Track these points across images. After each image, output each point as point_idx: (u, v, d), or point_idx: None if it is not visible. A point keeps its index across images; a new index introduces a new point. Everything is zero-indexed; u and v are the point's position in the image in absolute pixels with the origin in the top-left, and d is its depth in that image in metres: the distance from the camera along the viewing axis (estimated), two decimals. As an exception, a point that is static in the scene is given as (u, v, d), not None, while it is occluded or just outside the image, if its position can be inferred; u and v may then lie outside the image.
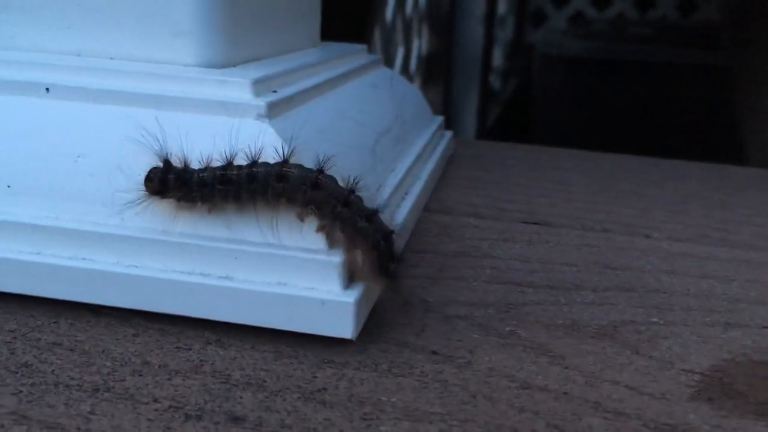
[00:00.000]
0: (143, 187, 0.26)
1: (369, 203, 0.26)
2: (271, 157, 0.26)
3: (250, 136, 0.27)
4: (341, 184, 0.26)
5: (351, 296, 0.25)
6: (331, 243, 0.26)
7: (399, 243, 0.28)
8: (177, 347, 0.26)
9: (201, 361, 0.25)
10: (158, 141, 0.26)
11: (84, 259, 0.27)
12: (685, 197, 0.47)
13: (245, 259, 0.26)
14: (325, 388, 0.24)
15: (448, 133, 0.54)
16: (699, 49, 1.68)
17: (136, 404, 0.22)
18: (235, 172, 0.26)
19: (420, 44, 1.33)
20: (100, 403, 0.22)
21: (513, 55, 2.06)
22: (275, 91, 0.30)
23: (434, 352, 0.26)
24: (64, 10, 0.31)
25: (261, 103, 0.28)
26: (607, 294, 0.32)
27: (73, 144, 0.28)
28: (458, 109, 1.45)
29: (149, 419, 0.22)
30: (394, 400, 0.23)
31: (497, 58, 1.88)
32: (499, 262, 0.34)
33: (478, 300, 0.30)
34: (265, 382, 0.24)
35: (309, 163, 0.26)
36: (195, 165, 0.26)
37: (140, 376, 0.24)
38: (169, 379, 0.24)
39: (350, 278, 0.26)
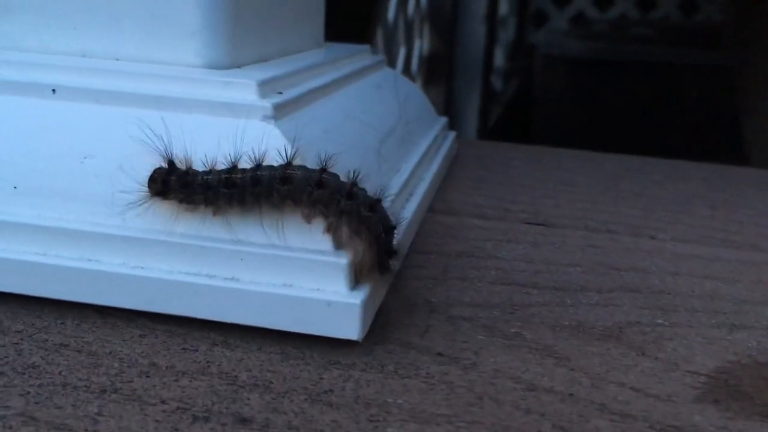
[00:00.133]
0: (146, 188, 0.26)
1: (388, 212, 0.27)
2: (276, 158, 0.26)
3: (256, 138, 0.27)
4: (343, 180, 0.26)
5: (357, 297, 0.25)
6: (338, 242, 0.26)
7: (401, 239, 0.28)
8: (184, 348, 0.26)
9: (208, 362, 0.25)
10: (163, 142, 0.26)
11: (90, 260, 0.27)
12: (688, 198, 0.47)
13: (251, 261, 0.26)
14: (331, 390, 0.24)
15: (452, 134, 0.54)
16: (700, 49, 1.68)
17: (144, 405, 0.22)
18: (239, 176, 0.26)
19: (422, 44, 1.33)
20: (107, 405, 0.22)
21: (514, 55, 2.06)
22: (281, 93, 0.30)
23: (440, 354, 0.26)
24: (69, 12, 0.31)
25: (267, 104, 0.28)
26: (612, 295, 0.32)
27: (79, 145, 0.28)
28: (460, 109, 1.45)
29: (157, 420, 0.22)
30: (400, 401, 0.23)
31: (499, 59, 1.88)
32: (503, 263, 0.34)
33: (482, 301, 0.30)
34: (272, 383, 0.24)
35: (315, 164, 0.26)
36: (200, 166, 0.26)
37: (147, 377, 0.24)
38: (176, 381, 0.24)
39: (357, 279, 0.26)
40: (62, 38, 0.31)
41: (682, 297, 0.32)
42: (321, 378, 0.24)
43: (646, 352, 0.27)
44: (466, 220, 0.41)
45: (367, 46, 0.48)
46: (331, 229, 0.26)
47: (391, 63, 1.09)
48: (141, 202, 0.26)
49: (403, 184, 0.36)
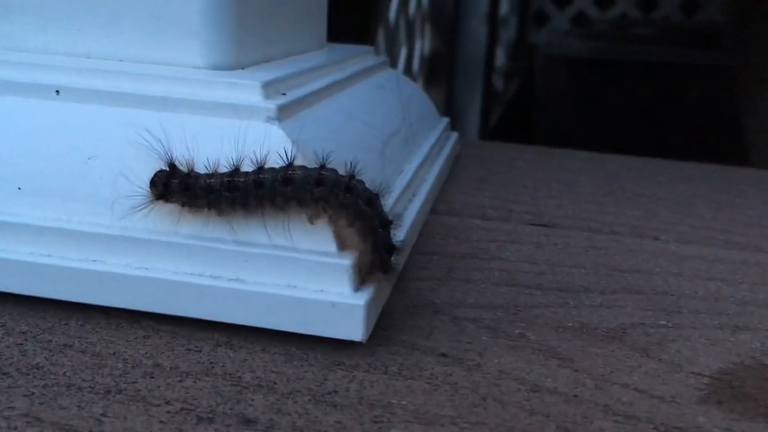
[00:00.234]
0: (148, 191, 0.26)
1: (384, 207, 0.26)
2: (280, 159, 0.26)
3: (260, 139, 0.27)
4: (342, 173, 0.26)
5: (361, 298, 0.25)
6: (337, 235, 0.26)
7: (405, 239, 0.28)
8: (188, 349, 0.26)
9: (212, 363, 0.25)
10: (166, 144, 0.26)
11: (95, 261, 0.27)
12: (691, 199, 0.47)
13: (255, 262, 0.26)
14: (335, 391, 0.24)
15: (454, 134, 0.54)
16: (701, 49, 1.68)
17: (148, 406, 0.22)
18: (242, 179, 0.26)
19: (423, 44, 1.33)
20: (112, 405, 0.22)
21: (515, 55, 2.06)
22: (284, 94, 0.30)
23: (443, 355, 0.26)
24: (73, 13, 0.31)
25: (271, 105, 0.28)
26: (616, 296, 0.32)
27: (83, 146, 0.28)
28: (461, 109, 1.45)
29: (161, 421, 0.22)
30: (404, 402, 0.23)
31: (500, 59, 1.88)
32: (507, 264, 0.35)
33: (486, 302, 0.30)
34: (276, 384, 0.24)
35: (316, 164, 0.26)
36: (203, 168, 0.26)
37: (152, 378, 0.24)
38: (180, 381, 0.24)
39: (361, 280, 0.26)
40: (66, 39, 0.32)
41: (686, 298, 0.32)
42: (325, 379, 0.24)
43: (649, 354, 0.27)
44: (468, 220, 0.41)
45: (369, 47, 0.48)
46: (331, 222, 0.26)
47: (393, 63, 1.09)
48: (143, 206, 0.26)
49: (406, 184, 0.36)
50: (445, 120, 0.53)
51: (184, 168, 0.26)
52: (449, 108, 1.40)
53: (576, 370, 0.26)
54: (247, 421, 0.22)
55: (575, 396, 0.24)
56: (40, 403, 0.22)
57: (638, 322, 0.29)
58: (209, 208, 0.26)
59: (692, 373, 0.26)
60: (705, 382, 0.25)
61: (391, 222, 0.26)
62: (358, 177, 0.26)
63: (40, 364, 0.24)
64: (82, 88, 0.29)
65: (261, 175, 0.26)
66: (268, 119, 0.28)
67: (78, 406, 0.22)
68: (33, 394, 0.23)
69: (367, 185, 0.26)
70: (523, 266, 0.34)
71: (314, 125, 0.30)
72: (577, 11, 2.19)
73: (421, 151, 0.42)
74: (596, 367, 0.26)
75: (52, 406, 0.22)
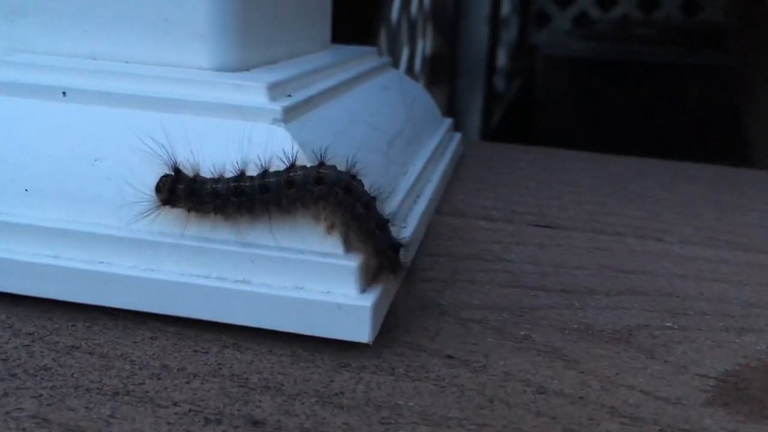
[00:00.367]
0: (153, 196, 0.26)
1: (380, 209, 0.26)
2: (285, 161, 0.26)
3: (265, 141, 0.27)
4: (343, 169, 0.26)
5: (368, 300, 0.25)
6: (330, 229, 0.26)
7: (410, 238, 0.28)
8: (194, 351, 0.26)
9: (219, 364, 0.25)
10: (171, 147, 0.26)
11: (101, 262, 0.27)
12: (694, 200, 0.47)
13: (262, 263, 0.26)
14: (342, 392, 0.24)
15: (457, 135, 0.54)
16: (702, 49, 1.68)
17: (156, 408, 0.22)
18: (248, 184, 0.26)
19: (424, 45, 1.33)
20: (120, 407, 0.22)
21: (517, 55, 2.06)
22: (290, 95, 0.30)
23: (449, 356, 0.26)
24: (79, 15, 0.31)
25: (276, 107, 0.28)
26: (621, 298, 0.32)
27: (90, 148, 0.28)
28: (462, 109, 1.45)
29: (169, 423, 0.22)
30: (411, 404, 0.23)
31: (501, 59, 1.88)
32: (511, 266, 0.35)
33: (491, 303, 0.31)
34: (283, 385, 0.24)
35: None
36: (208, 171, 0.26)
37: (159, 379, 0.24)
38: (187, 383, 0.24)
39: (367, 282, 0.26)
40: (72, 41, 0.32)
41: (691, 300, 0.32)
42: (332, 380, 0.24)
43: (655, 355, 0.27)
44: (472, 221, 0.41)
45: (373, 48, 0.48)
46: (328, 221, 0.26)
47: (395, 63, 1.09)
48: (149, 211, 0.26)
49: (411, 185, 0.36)
50: (449, 121, 0.53)
51: (189, 172, 0.26)
52: (451, 108, 1.40)
53: (582, 372, 0.26)
54: (255, 423, 0.22)
55: (581, 398, 0.24)
56: (49, 405, 0.22)
57: (643, 323, 0.30)
58: (215, 213, 0.26)
59: (698, 375, 0.26)
60: (711, 384, 0.26)
61: (387, 221, 0.26)
62: (359, 176, 0.26)
63: (48, 366, 0.24)
64: (88, 90, 0.29)
65: (266, 179, 0.26)
66: (274, 121, 0.28)
67: (86, 408, 0.22)
68: (41, 395, 0.23)
69: (366, 188, 0.26)
70: (528, 267, 0.35)
71: (319, 127, 0.30)
72: (578, 11, 2.19)
73: (425, 152, 0.42)
74: (602, 368, 0.26)
75: (61, 407, 0.22)
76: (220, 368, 0.25)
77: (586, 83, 1.75)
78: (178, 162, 0.26)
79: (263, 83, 0.29)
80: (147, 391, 0.23)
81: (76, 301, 0.27)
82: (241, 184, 0.26)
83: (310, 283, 0.26)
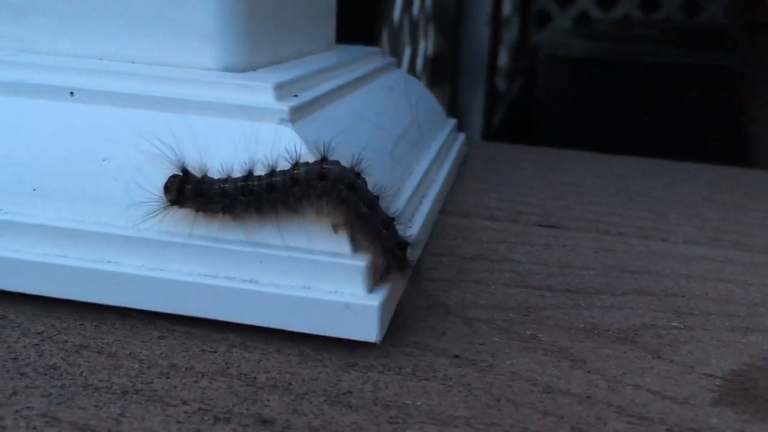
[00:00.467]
0: (162, 196, 0.26)
1: (384, 207, 0.27)
2: (290, 160, 0.26)
3: (272, 140, 0.27)
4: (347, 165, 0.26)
5: (375, 300, 0.25)
6: (338, 229, 0.26)
7: (416, 237, 0.28)
8: (202, 350, 0.26)
9: (227, 363, 0.25)
10: (178, 147, 0.26)
11: (109, 262, 0.27)
12: (697, 200, 0.47)
13: (270, 263, 0.26)
14: (350, 392, 0.24)
15: (461, 135, 0.54)
16: (703, 49, 1.68)
17: (166, 407, 0.22)
18: (255, 183, 0.26)
19: (426, 45, 1.33)
20: (129, 406, 0.22)
21: (517, 55, 2.06)
22: (296, 95, 0.30)
23: (456, 356, 0.26)
24: (86, 15, 0.31)
25: (283, 107, 0.28)
26: (626, 298, 0.32)
27: (98, 148, 0.28)
28: (464, 109, 1.45)
29: (179, 422, 0.22)
30: (419, 403, 0.24)
31: (503, 59, 1.88)
32: (517, 266, 0.35)
33: (498, 303, 0.31)
34: (291, 385, 0.24)
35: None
36: (216, 170, 0.26)
37: (168, 378, 0.24)
38: (196, 382, 0.24)
39: (375, 281, 0.26)
40: (79, 41, 0.32)
41: (696, 300, 0.32)
42: (339, 380, 0.25)
43: (661, 355, 0.27)
44: (477, 221, 0.41)
45: (377, 48, 0.48)
46: (330, 217, 0.26)
47: (397, 63, 1.09)
48: (157, 211, 0.26)
49: (417, 186, 0.36)
50: (453, 121, 0.53)
51: (197, 173, 0.26)
52: (452, 108, 1.40)
53: (589, 372, 0.26)
54: (264, 422, 0.22)
55: (588, 397, 0.24)
56: (58, 404, 0.22)
57: (649, 323, 0.30)
58: (224, 213, 0.26)
59: (704, 374, 0.26)
60: (717, 383, 0.26)
61: (392, 220, 0.27)
62: (363, 175, 0.26)
63: (57, 365, 0.24)
64: (96, 90, 0.29)
65: (273, 178, 0.26)
66: (281, 121, 0.28)
67: (96, 407, 0.22)
68: (51, 394, 0.23)
69: (369, 187, 0.26)
70: (533, 267, 0.35)
71: (326, 127, 0.30)
72: (579, 11, 2.19)
73: (430, 152, 0.42)
74: (609, 368, 0.26)
75: (70, 406, 0.22)
76: (228, 367, 0.25)
77: (586, 83, 1.75)
78: (186, 162, 0.26)
79: (270, 83, 0.29)
80: (156, 390, 0.23)
81: (84, 300, 0.27)
82: (249, 183, 0.26)
83: (317, 283, 0.26)
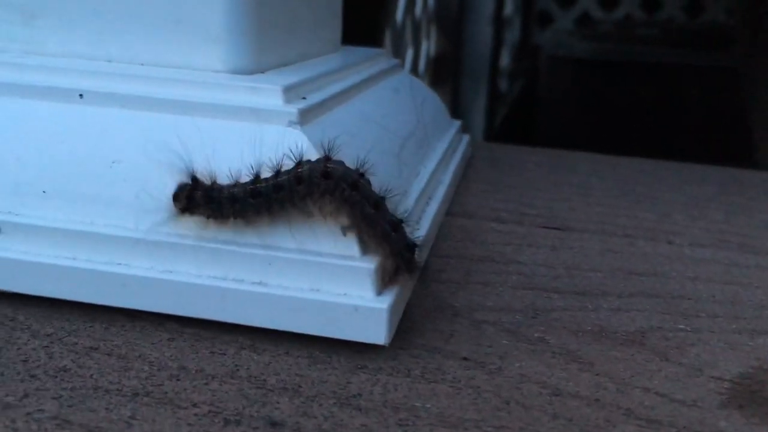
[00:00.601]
0: (172, 204, 0.26)
1: (392, 209, 0.27)
2: (294, 159, 0.26)
3: (281, 143, 0.27)
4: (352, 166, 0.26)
5: (384, 302, 0.26)
6: (347, 231, 0.26)
7: (423, 239, 0.28)
8: (212, 352, 0.26)
9: (236, 366, 0.25)
10: (187, 150, 0.27)
11: (119, 264, 0.27)
12: (703, 202, 0.47)
13: (279, 265, 0.26)
14: (360, 394, 0.24)
15: (466, 137, 0.54)
16: (705, 50, 1.68)
17: (176, 409, 0.23)
18: (263, 185, 0.26)
19: (429, 45, 1.33)
20: (140, 408, 0.22)
21: (519, 56, 2.06)
22: (304, 98, 0.30)
23: (465, 358, 0.26)
24: (95, 17, 0.31)
25: (292, 109, 0.28)
26: (633, 300, 0.32)
27: (107, 150, 0.28)
28: (466, 110, 1.45)
29: (189, 424, 0.22)
30: (428, 406, 0.24)
31: (504, 59, 1.88)
32: (524, 268, 0.35)
33: (505, 305, 0.31)
34: (301, 387, 0.24)
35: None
36: (224, 172, 0.26)
37: (178, 380, 0.24)
38: (206, 384, 0.24)
39: (383, 283, 0.26)
40: (88, 43, 0.32)
41: (703, 302, 0.32)
42: (349, 382, 0.25)
43: (669, 358, 0.27)
44: (483, 223, 0.41)
45: (382, 50, 0.48)
46: (333, 216, 0.26)
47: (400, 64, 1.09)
48: (167, 220, 0.26)
49: (423, 188, 0.36)
50: (457, 122, 0.53)
51: (206, 179, 0.26)
52: (455, 109, 1.40)
53: (597, 374, 0.26)
54: (274, 424, 0.22)
55: (597, 400, 0.24)
56: (69, 406, 0.22)
57: (657, 325, 0.30)
58: (235, 218, 0.26)
59: (712, 377, 0.26)
60: (725, 386, 0.26)
61: (401, 221, 0.27)
62: (368, 176, 0.26)
63: (67, 367, 0.24)
64: (105, 92, 0.29)
65: (278, 178, 0.26)
66: (290, 123, 0.28)
67: (106, 409, 0.22)
68: (61, 396, 0.23)
69: (374, 188, 0.26)
70: (540, 270, 0.35)
71: (333, 129, 0.30)
72: (581, 12, 2.19)
73: (436, 154, 0.42)
74: (617, 371, 0.26)
75: (81, 408, 0.22)
76: (238, 369, 0.25)
77: (588, 84, 1.75)
78: (195, 169, 0.26)
79: (279, 86, 0.29)
80: (166, 393, 0.23)
81: (93, 302, 0.27)
82: (257, 185, 0.26)
83: (326, 285, 0.26)
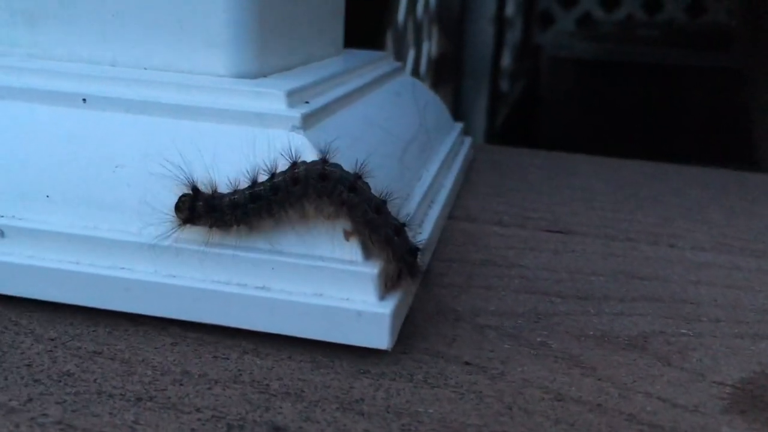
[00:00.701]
0: (174, 215, 0.26)
1: (395, 212, 0.27)
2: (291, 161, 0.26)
3: (284, 147, 0.27)
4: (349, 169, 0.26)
5: (387, 307, 0.26)
6: (349, 236, 0.26)
7: (426, 244, 0.28)
8: (215, 356, 0.26)
9: (239, 370, 0.25)
10: (190, 155, 0.27)
11: (122, 268, 0.27)
12: (705, 205, 0.48)
13: (282, 270, 0.26)
14: (362, 399, 0.24)
15: (468, 140, 0.54)
16: (707, 51, 1.68)
17: (179, 414, 0.23)
18: (261, 188, 0.26)
19: (430, 46, 1.33)
20: (143, 413, 0.22)
21: (521, 56, 2.06)
22: (307, 102, 0.30)
23: (467, 363, 0.27)
24: (99, 21, 0.32)
25: (296, 114, 0.28)
26: (636, 304, 0.32)
27: (111, 154, 0.28)
28: (468, 110, 1.45)
29: (193, 429, 0.22)
30: (431, 411, 0.24)
31: (506, 60, 1.88)
32: (526, 272, 0.35)
33: (507, 310, 0.31)
34: (304, 392, 0.24)
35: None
36: (227, 178, 0.26)
37: (181, 385, 0.24)
38: (209, 389, 0.24)
39: (386, 288, 0.26)
40: (91, 47, 0.32)
41: (705, 306, 0.32)
42: (351, 387, 0.25)
43: (671, 362, 0.27)
44: (485, 227, 0.41)
45: (385, 53, 0.48)
46: (331, 218, 0.26)
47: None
48: (171, 231, 0.26)
49: (426, 191, 0.36)
50: (459, 125, 0.53)
51: (207, 188, 0.26)
52: (456, 109, 1.40)
53: (599, 379, 0.26)
54: (277, 429, 0.22)
55: (599, 405, 0.24)
56: (73, 411, 0.22)
57: (659, 330, 0.30)
58: (238, 225, 0.26)
59: (714, 382, 0.26)
60: (727, 391, 0.26)
61: (403, 225, 0.27)
62: (366, 178, 0.26)
63: (71, 371, 0.24)
64: (108, 97, 0.29)
65: (275, 180, 0.26)
66: (293, 128, 0.28)
67: (110, 414, 0.22)
68: (65, 401, 0.23)
69: (374, 191, 0.26)
70: (542, 273, 0.35)
71: (336, 133, 0.31)
72: (582, 12, 2.19)
73: (438, 157, 0.42)
74: (619, 375, 0.26)
75: (85, 413, 0.22)
76: (241, 374, 0.25)
77: (590, 84, 1.75)
78: (196, 179, 0.26)
79: (282, 90, 0.29)
80: (169, 397, 0.23)
81: (97, 306, 0.27)
82: (255, 189, 0.26)
83: (329, 290, 0.26)
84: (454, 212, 0.42)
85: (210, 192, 0.26)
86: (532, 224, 0.42)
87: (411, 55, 1.19)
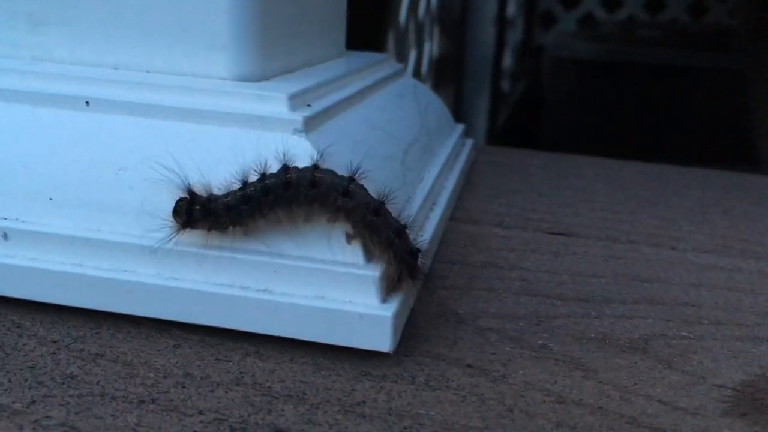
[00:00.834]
0: (172, 220, 0.26)
1: (396, 214, 0.27)
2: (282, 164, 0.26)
3: (286, 151, 0.27)
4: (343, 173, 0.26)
5: (389, 310, 0.26)
6: (351, 239, 0.26)
7: (427, 246, 0.28)
8: (217, 359, 0.26)
9: (241, 373, 0.25)
10: (191, 157, 0.27)
11: (125, 270, 0.27)
12: (706, 207, 0.48)
13: (284, 273, 0.26)
14: (364, 401, 0.24)
15: (470, 141, 0.54)
16: (708, 51, 1.68)
17: (182, 416, 0.23)
18: (251, 189, 0.26)
19: (431, 47, 1.33)
20: (146, 415, 0.23)
21: (522, 57, 2.06)
22: (309, 105, 0.30)
23: (469, 365, 0.27)
24: (101, 24, 0.32)
25: (297, 117, 0.28)
26: (637, 307, 0.32)
27: (113, 157, 0.28)
28: (469, 111, 1.45)
29: (195, 431, 0.22)
30: (432, 413, 0.24)
31: (507, 60, 1.88)
32: (527, 274, 0.35)
33: (508, 312, 0.31)
34: (306, 394, 0.24)
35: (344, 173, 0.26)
36: (228, 181, 0.26)
37: (183, 387, 0.24)
38: (211, 391, 0.24)
39: (388, 291, 0.26)
40: (94, 50, 0.32)
41: (706, 309, 0.32)
42: (353, 389, 0.25)
43: (672, 365, 0.27)
44: (487, 229, 0.41)
45: (386, 55, 0.48)
46: (332, 221, 0.26)
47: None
48: (170, 236, 0.26)
49: (427, 193, 0.36)
50: (460, 127, 0.53)
51: (203, 192, 0.26)
52: (458, 110, 1.40)
53: (600, 382, 0.26)
54: (279, 431, 0.22)
55: (600, 408, 0.24)
56: (76, 413, 0.22)
57: (660, 333, 0.30)
58: (233, 226, 0.26)
59: (715, 385, 0.26)
60: (728, 394, 0.26)
61: (404, 227, 0.27)
62: (361, 181, 0.26)
63: (74, 374, 0.25)
64: (111, 100, 0.29)
65: (266, 181, 0.26)
66: (295, 131, 0.28)
67: (113, 416, 0.22)
68: (68, 403, 0.23)
69: (371, 193, 0.26)
70: (544, 276, 0.35)
71: (338, 136, 0.31)
72: (584, 13, 2.19)
73: (440, 159, 0.42)
74: (620, 378, 0.26)
75: (88, 415, 0.22)
76: (243, 376, 0.25)
77: (591, 85, 1.75)
78: (195, 181, 0.26)
79: (284, 93, 0.29)
80: (172, 400, 0.23)
81: (99, 308, 0.27)
82: (247, 190, 0.26)
83: (331, 293, 0.26)
84: (455, 214, 0.43)
85: (206, 195, 0.26)
86: (534, 226, 0.42)
87: (412, 55, 1.19)
